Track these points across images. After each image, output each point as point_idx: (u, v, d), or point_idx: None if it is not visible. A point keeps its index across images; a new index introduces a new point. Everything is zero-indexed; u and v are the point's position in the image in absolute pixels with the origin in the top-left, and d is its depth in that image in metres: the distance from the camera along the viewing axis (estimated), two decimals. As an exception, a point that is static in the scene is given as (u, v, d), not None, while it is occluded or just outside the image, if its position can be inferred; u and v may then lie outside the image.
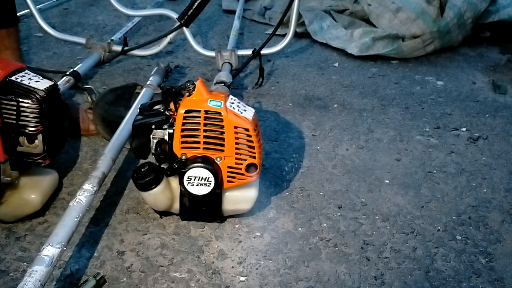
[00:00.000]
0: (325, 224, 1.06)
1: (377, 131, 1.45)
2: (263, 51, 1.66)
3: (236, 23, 2.06)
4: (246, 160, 0.95)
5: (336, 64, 1.93)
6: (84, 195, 0.88)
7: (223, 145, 0.93)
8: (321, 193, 1.16)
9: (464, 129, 1.48)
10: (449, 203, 1.15)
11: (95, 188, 0.91)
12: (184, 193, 0.97)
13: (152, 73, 1.51)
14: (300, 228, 1.05)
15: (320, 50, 2.07)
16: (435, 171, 1.26)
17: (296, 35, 2.16)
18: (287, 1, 1.60)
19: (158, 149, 0.96)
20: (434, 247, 1.01)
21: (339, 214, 1.09)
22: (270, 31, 2.17)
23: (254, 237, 1.02)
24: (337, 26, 2.12)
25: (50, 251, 0.75)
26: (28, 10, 1.75)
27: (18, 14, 1.33)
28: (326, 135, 1.42)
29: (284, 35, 1.66)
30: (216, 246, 0.99)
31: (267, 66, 1.86)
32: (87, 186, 0.90)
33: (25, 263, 0.92)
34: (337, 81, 1.79)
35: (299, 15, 2.16)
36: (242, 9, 2.31)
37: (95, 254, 0.95)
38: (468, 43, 2.13)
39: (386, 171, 1.26)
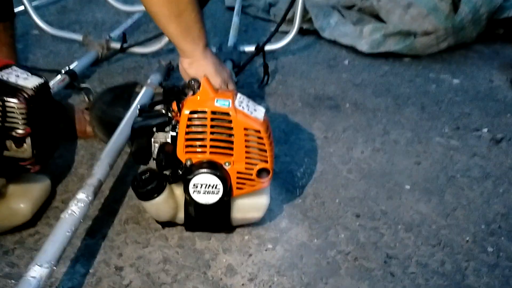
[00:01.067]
0: (343, 235, 0.97)
1: (393, 132, 1.36)
2: (267, 47, 1.57)
3: (235, 19, 1.97)
4: (257, 164, 0.85)
5: (346, 62, 1.84)
6: (78, 206, 0.78)
7: (232, 149, 0.84)
8: (337, 200, 1.07)
9: (485, 129, 1.39)
10: (476, 211, 1.05)
11: (90, 198, 0.81)
12: (190, 202, 0.87)
13: (153, 71, 1.42)
14: (315, 240, 0.95)
15: (328, 47, 1.98)
16: (458, 176, 1.17)
17: (303, 32, 2.07)
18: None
19: (160, 154, 0.87)
20: (464, 260, 0.92)
21: (357, 223, 1.00)
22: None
23: (266, 250, 0.92)
24: (345, 23, 2.03)
25: (37, 272, 0.66)
26: (23, 7, 1.67)
27: (15, 11, 1.25)
28: (339, 136, 1.33)
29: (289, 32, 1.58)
30: (224, 260, 0.90)
31: (273, 64, 1.77)
32: (81, 195, 0.81)
33: (12, 281, 0.83)
34: (348, 79, 1.69)
35: (306, 11, 2.08)
36: (241, 5, 2.22)
37: (90, 270, 0.86)
38: (481, 40, 2.04)
39: (406, 176, 1.16)
